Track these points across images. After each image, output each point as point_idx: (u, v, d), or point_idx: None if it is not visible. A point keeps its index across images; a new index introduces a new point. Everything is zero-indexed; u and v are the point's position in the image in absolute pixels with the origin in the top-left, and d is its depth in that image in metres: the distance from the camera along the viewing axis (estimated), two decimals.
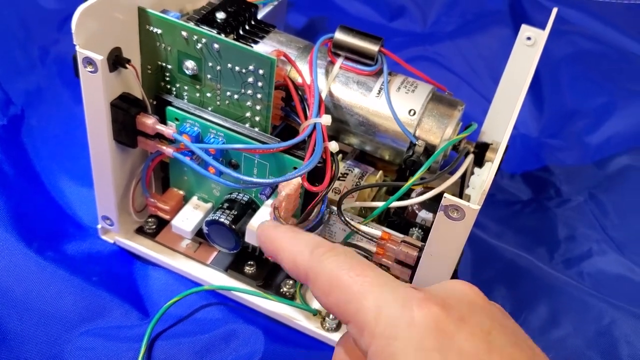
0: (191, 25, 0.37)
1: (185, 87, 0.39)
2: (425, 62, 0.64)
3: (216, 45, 0.36)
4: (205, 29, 0.37)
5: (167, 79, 0.40)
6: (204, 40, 0.36)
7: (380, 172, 0.46)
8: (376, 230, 0.38)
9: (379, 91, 0.42)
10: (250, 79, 0.36)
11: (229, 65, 0.37)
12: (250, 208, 0.41)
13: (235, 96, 0.38)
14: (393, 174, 0.48)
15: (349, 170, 0.45)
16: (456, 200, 0.29)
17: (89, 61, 0.34)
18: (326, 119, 0.37)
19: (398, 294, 0.24)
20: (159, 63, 0.39)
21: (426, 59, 0.64)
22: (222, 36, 0.37)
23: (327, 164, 0.36)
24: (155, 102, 0.40)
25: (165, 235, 0.45)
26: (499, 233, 0.50)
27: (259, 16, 0.47)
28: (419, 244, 0.36)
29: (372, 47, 0.42)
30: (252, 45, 0.41)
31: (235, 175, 0.35)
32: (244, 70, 0.36)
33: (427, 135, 0.41)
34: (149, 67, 0.40)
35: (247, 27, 0.42)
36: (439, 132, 0.41)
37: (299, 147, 0.37)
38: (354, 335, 0.24)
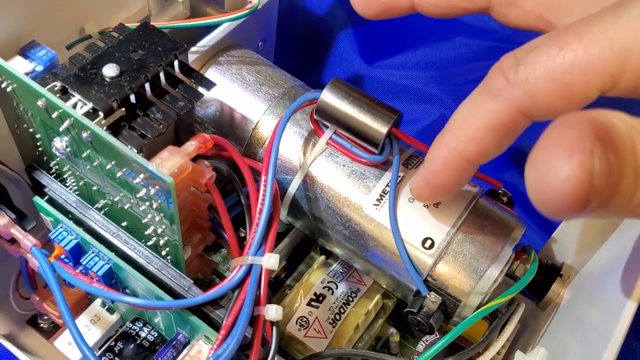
0: (50, 94, 0.21)
1: (66, 168, 0.25)
2: None
3: (85, 134, 0.21)
4: (69, 104, 0.22)
5: (41, 149, 0.25)
6: (67, 121, 0.21)
7: (379, 295, 0.30)
8: None
9: (380, 197, 0.26)
10: (142, 193, 0.21)
11: (109, 166, 0.21)
12: (154, 352, 0.27)
13: (127, 205, 0.23)
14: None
15: (329, 286, 0.30)
16: None
17: None
18: (270, 262, 0.22)
19: None
20: (25, 127, 0.24)
21: None
22: (100, 117, 0.22)
23: (254, 341, 0.22)
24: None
25: None
26: None
27: (224, 28, 0.31)
28: None
29: (377, 129, 0.25)
30: (194, 91, 0.25)
31: None
32: (131, 179, 0.21)
33: (449, 281, 0.25)
34: (17, 127, 0.25)
35: (164, 84, 0.24)
36: (470, 281, 0.25)
37: (220, 301, 0.23)
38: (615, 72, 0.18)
